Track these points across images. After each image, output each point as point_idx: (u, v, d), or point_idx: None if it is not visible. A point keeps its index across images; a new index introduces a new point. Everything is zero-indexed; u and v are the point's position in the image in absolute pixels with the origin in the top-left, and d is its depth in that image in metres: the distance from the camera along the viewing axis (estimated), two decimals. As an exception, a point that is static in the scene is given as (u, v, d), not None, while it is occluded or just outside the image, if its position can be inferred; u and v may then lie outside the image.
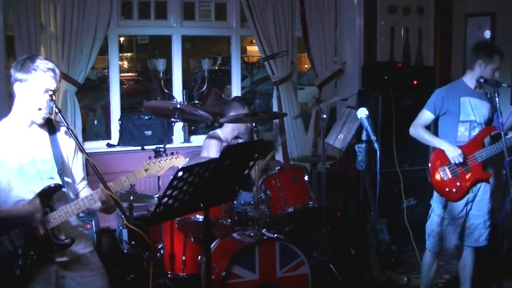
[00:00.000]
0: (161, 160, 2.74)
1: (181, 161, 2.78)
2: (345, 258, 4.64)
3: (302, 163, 4.83)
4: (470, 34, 5.65)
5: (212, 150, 4.50)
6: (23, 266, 2.51)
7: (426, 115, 3.94)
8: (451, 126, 3.88)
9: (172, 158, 2.76)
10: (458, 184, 3.82)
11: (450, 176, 3.83)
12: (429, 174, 3.88)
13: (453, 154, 3.77)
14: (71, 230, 2.72)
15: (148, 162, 2.71)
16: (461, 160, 3.76)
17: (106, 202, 2.62)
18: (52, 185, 2.60)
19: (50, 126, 2.73)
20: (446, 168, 3.84)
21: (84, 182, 2.87)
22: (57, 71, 2.65)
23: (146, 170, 2.70)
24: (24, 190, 2.59)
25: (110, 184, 2.61)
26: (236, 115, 4.38)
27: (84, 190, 2.83)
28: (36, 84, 2.57)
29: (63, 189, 2.64)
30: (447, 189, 3.84)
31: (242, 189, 4.26)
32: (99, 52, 4.98)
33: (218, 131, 4.68)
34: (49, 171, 2.65)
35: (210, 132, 4.76)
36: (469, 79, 3.89)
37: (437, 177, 3.85)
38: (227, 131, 4.64)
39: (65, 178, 2.69)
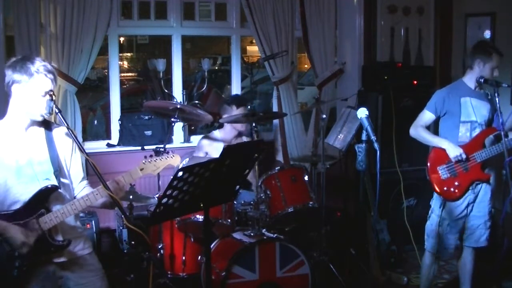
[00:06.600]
0: (156, 159, 2.74)
1: (176, 161, 2.79)
2: (345, 258, 4.63)
3: (302, 163, 4.82)
4: (470, 34, 5.65)
5: (200, 151, 4.56)
6: (20, 267, 2.51)
7: (426, 116, 3.93)
8: (452, 126, 3.88)
9: (167, 157, 2.76)
10: (456, 183, 3.82)
11: (448, 175, 3.83)
12: (427, 173, 3.88)
13: (455, 152, 3.77)
14: (69, 230, 2.71)
15: (144, 161, 2.72)
16: (462, 158, 3.76)
17: (107, 202, 2.63)
18: (49, 186, 2.60)
19: (46, 126, 2.73)
20: (445, 167, 3.83)
21: (85, 182, 2.87)
22: (55, 72, 2.68)
23: (141, 169, 2.71)
24: (21, 190, 2.59)
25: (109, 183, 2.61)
26: (235, 116, 4.38)
27: (85, 190, 2.82)
28: (37, 87, 2.58)
29: (59, 190, 2.65)
30: (445, 188, 3.84)
31: (242, 189, 4.26)
32: (99, 52, 4.97)
33: (216, 132, 4.69)
34: (46, 172, 2.65)
35: (209, 133, 4.78)
36: (469, 79, 3.89)
37: (436, 176, 3.85)
38: (226, 131, 4.65)
39: (62, 179, 2.69)
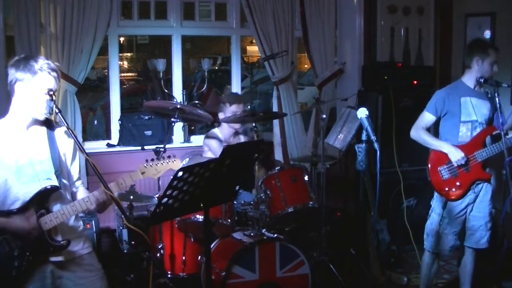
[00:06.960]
0: (157, 163, 2.75)
1: (177, 165, 2.80)
2: (345, 258, 4.64)
3: (302, 163, 4.82)
4: (470, 34, 5.65)
5: (215, 150, 4.54)
6: (19, 267, 2.51)
7: (427, 117, 3.92)
8: (452, 127, 3.87)
9: (169, 161, 2.78)
10: (457, 183, 3.81)
11: (449, 175, 3.83)
12: (428, 174, 3.88)
13: (456, 157, 3.76)
14: (69, 230, 2.71)
15: (145, 165, 2.73)
16: (463, 162, 3.76)
17: (103, 204, 2.64)
18: (49, 187, 2.60)
19: (48, 126, 2.73)
20: (446, 167, 3.83)
21: (79, 182, 2.88)
22: (58, 71, 2.68)
23: (142, 173, 2.72)
24: (22, 190, 2.59)
25: (110, 185, 2.61)
26: (235, 115, 4.38)
27: (79, 190, 2.84)
28: (40, 85, 2.58)
29: (60, 190, 2.65)
30: (446, 189, 3.83)
31: (242, 189, 4.26)
32: (99, 52, 4.98)
33: (216, 131, 4.70)
34: (47, 172, 2.65)
35: (209, 132, 4.78)
36: (468, 79, 3.89)
37: (437, 176, 3.84)
38: (224, 130, 4.66)
39: (62, 179, 2.69)
